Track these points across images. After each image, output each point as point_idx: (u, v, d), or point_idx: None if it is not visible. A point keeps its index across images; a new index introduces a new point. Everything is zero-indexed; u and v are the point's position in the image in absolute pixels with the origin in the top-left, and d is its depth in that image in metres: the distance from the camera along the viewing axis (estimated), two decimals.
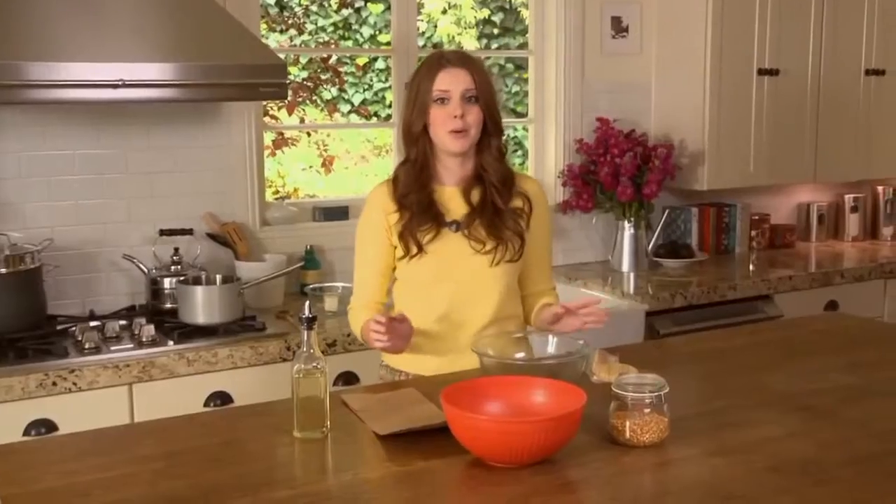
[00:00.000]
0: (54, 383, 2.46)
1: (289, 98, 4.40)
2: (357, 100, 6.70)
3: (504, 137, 2.29)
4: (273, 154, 5.69)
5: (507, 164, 2.28)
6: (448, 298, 2.23)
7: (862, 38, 4.06)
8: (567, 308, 2.18)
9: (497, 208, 2.23)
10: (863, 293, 3.79)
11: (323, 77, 6.43)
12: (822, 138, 4.03)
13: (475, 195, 2.25)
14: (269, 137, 5.30)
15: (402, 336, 2.13)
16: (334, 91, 6.63)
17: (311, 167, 6.57)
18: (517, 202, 2.27)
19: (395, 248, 2.24)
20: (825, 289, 3.72)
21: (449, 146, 2.19)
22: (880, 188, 4.43)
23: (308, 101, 6.39)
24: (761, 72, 3.82)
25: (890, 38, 4.13)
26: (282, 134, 5.71)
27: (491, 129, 2.23)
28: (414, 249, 2.20)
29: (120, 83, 2.55)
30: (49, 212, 2.98)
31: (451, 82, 2.17)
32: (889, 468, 1.63)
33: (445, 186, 2.26)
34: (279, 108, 5.57)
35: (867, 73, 4.09)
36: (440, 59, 2.22)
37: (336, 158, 6.58)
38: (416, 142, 2.22)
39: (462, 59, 2.22)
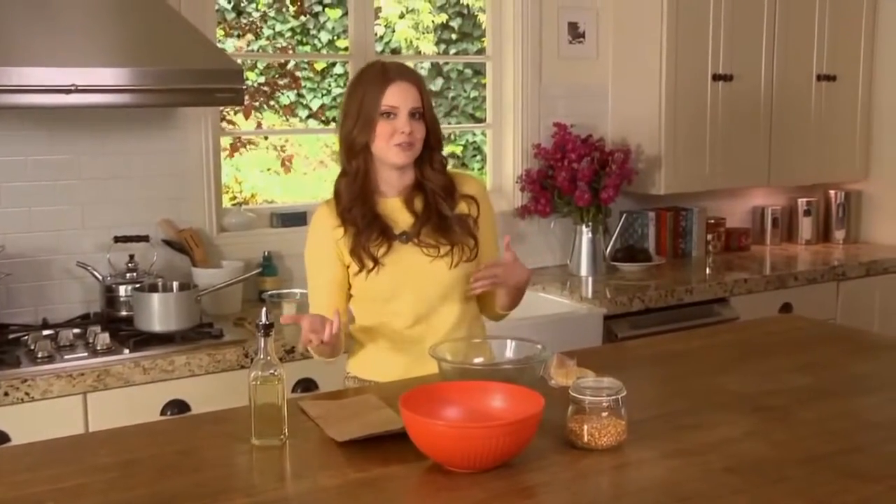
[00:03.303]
0: (6, 393, 2.42)
1: (245, 102, 4.37)
2: (315, 104, 6.68)
3: (442, 150, 2.28)
4: (231, 156, 5.65)
5: (447, 174, 2.28)
6: (412, 307, 2.22)
7: (813, 44, 4.13)
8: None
9: (443, 215, 2.22)
10: (816, 295, 3.85)
11: (280, 82, 6.40)
12: (776, 143, 4.09)
13: (418, 203, 2.24)
14: (226, 141, 5.27)
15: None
16: (292, 96, 6.61)
17: (269, 169, 6.54)
18: (463, 207, 2.27)
19: (348, 266, 2.22)
20: (780, 291, 3.77)
21: (393, 159, 2.18)
22: (832, 192, 4.50)
23: (265, 106, 6.36)
24: (716, 77, 3.87)
25: (840, 44, 4.21)
26: (239, 137, 5.68)
27: (433, 142, 2.23)
28: (370, 264, 2.17)
29: (73, 88, 2.52)
30: (1, 219, 2.93)
31: (400, 98, 2.15)
32: (841, 466, 1.66)
33: (387, 199, 2.24)
34: (236, 113, 5.53)
35: (818, 78, 4.17)
36: (385, 71, 2.19)
37: (295, 156, 6.55)
38: (358, 155, 2.20)
39: (407, 73, 2.20)
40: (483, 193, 2.34)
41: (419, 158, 2.23)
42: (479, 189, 2.34)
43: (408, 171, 2.24)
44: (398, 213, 2.24)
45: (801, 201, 4.47)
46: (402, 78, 2.17)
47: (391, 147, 2.16)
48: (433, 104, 2.27)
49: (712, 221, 4.21)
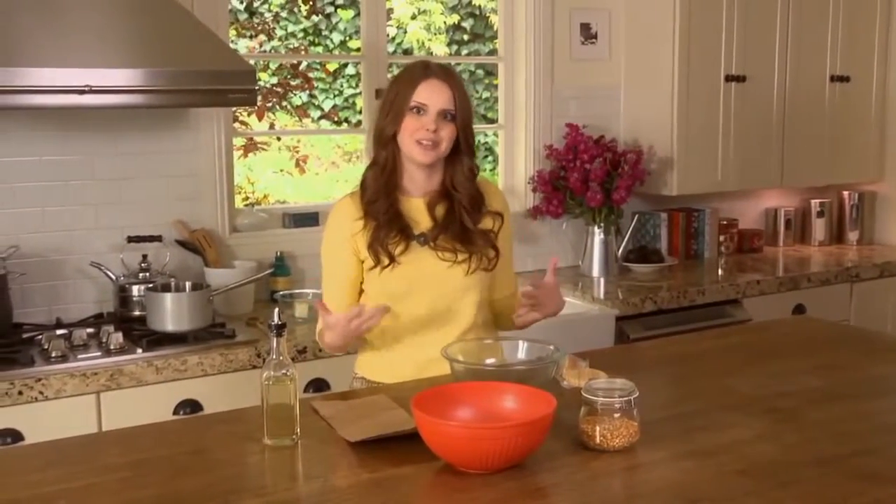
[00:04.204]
0: (20, 392, 2.43)
1: (258, 103, 4.37)
2: (327, 105, 6.69)
3: (475, 158, 2.26)
4: (245, 156, 5.66)
5: (476, 184, 2.26)
6: (425, 309, 2.21)
7: (827, 45, 4.12)
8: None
9: (465, 227, 2.21)
10: (829, 297, 3.84)
11: (293, 83, 6.41)
12: (789, 144, 4.07)
13: (440, 210, 2.22)
14: (238, 142, 5.28)
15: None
16: (304, 97, 6.61)
17: (282, 170, 6.55)
18: (488, 222, 2.25)
19: (363, 261, 2.22)
20: (793, 293, 3.76)
21: (415, 156, 2.17)
22: (846, 193, 4.49)
23: (278, 107, 6.37)
24: (728, 78, 3.86)
25: (854, 45, 4.19)
26: (251, 139, 5.69)
27: (464, 148, 2.21)
28: (385, 260, 2.17)
29: (87, 89, 2.53)
30: (14, 219, 2.95)
31: (431, 96, 2.15)
32: (853, 469, 1.65)
33: (411, 198, 2.24)
34: (249, 115, 5.54)
35: (832, 79, 4.15)
36: (425, 68, 2.19)
37: (308, 157, 6.55)
38: (386, 146, 2.20)
39: (446, 74, 2.19)
40: (507, 208, 2.34)
41: (450, 162, 2.22)
42: (505, 204, 2.34)
43: (435, 173, 2.23)
44: (420, 215, 2.23)
45: (815, 202, 4.46)
46: (437, 77, 2.17)
47: (414, 143, 2.16)
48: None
49: (725, 223, 4.20)
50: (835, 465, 1.67)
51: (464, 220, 2.21)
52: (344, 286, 2.24)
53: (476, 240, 2.21)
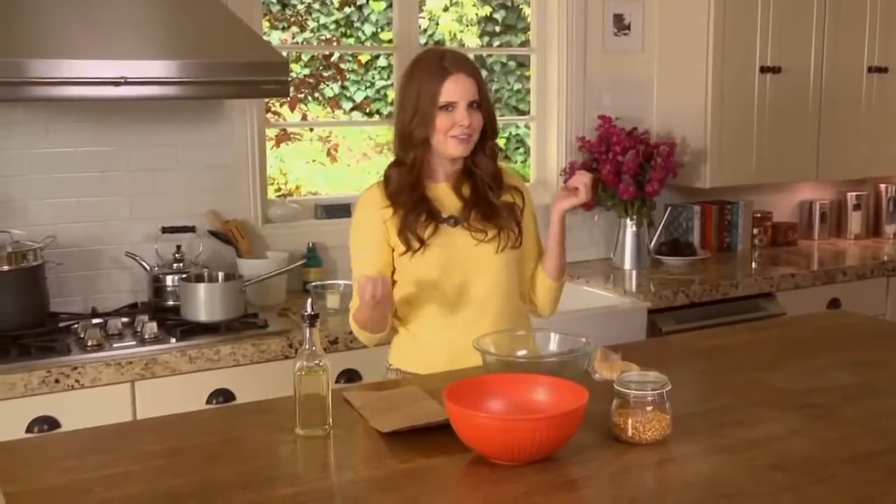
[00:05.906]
0: (57, 380, 2.46)
1: (291, 94, 4.38)
2: (359, 97, 6.70)
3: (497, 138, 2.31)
4: (277, 146, 5.70)
5: (496, 162, 2.29)
6: (457, 291, 2.22)
7: (864, 36, 4.06)
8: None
9: (490, 202, 2.25)
10: (865, 291, 3.79)
11: (325, 74, 6.43)
12: (825, 136, 4.02)
13: (465, 189, 2.26)
14: (271, 133, 5.30)
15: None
16: (336, 88, 6.63)
17: (314, 160, 6.57)
18: (508, 197, 2.29)
19: (394, 249, 2.23)
20: (827, 287, 3.72)
21: (451, 151, 2.19)
22: (883, 186, 4.43)
23: (310, 98, 6.40)
24: (763, 69, 3.82)
25: (892, 36, 4.13)
26: (284, 129, 5.72)
27: (490, 130, 2.25)
28: (416, 244, 2.18)
29: (122, 80, 2.55)
30: (51, 209, 2.98)
31: (458, 92, 2.16)
32: (890, 465, 1.63)
33: (437, 183, 2.26)
34: (281, 105, 5.57)
35: (870, 70, 4.09)
36: (441, 61, 2.19)
37: (340, 145, 6.57)
38: (415, 148, 2.20)
39: (464, 65, 2.20)
40: (526, 187, 2.37)
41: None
42: (523, 182, 2.38)
43: (458, 158, 2.25)
44: (446, 198, 2.25)
45: (851, 195, 4.40)
46: (459, 70, 2.18)
47: (449, 139, 2.18)
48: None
49: (759, 215, 4.16)
50: (871, 461, 1.66)
51: (488, 195, 2.25)
52: (376, 272, 2.24)
53: (501, 212, 2.25)
